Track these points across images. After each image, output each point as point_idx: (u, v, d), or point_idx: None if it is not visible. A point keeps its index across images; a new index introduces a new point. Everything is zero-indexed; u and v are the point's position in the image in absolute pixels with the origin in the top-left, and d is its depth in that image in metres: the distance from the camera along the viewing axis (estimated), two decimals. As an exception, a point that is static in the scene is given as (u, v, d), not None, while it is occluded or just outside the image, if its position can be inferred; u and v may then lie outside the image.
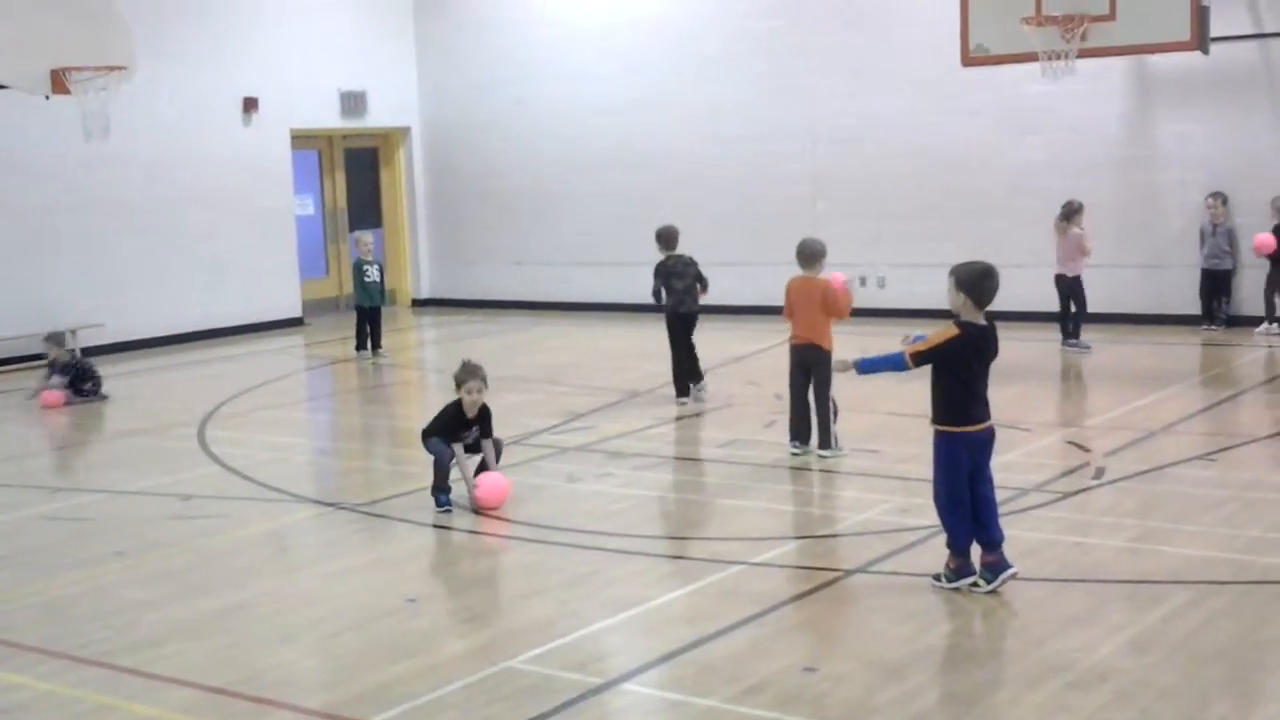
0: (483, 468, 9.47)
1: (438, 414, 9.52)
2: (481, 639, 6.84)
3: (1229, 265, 16.30)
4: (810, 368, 10.37)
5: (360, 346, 17.00)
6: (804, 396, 10.44)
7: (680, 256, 13.03)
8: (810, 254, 10.41)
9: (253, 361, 17.22)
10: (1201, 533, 8.16)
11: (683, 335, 12.98)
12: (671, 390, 13.03)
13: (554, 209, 21.07)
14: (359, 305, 17.07)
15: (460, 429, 9.44)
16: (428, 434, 9.46)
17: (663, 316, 13.17)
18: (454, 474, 9.38)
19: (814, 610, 7.14)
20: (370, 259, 17.11)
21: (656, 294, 13.17)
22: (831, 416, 10.38)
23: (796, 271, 10.54)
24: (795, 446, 10.45)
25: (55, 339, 14.72)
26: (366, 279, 16.90)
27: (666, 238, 13.11)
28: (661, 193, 19.83)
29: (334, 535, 9.02)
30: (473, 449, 9.51)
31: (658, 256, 13.12)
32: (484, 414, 9.50)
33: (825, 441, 10.36)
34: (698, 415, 12.31)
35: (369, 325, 16.97)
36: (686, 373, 12.99)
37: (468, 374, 9.44)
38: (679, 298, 12.93)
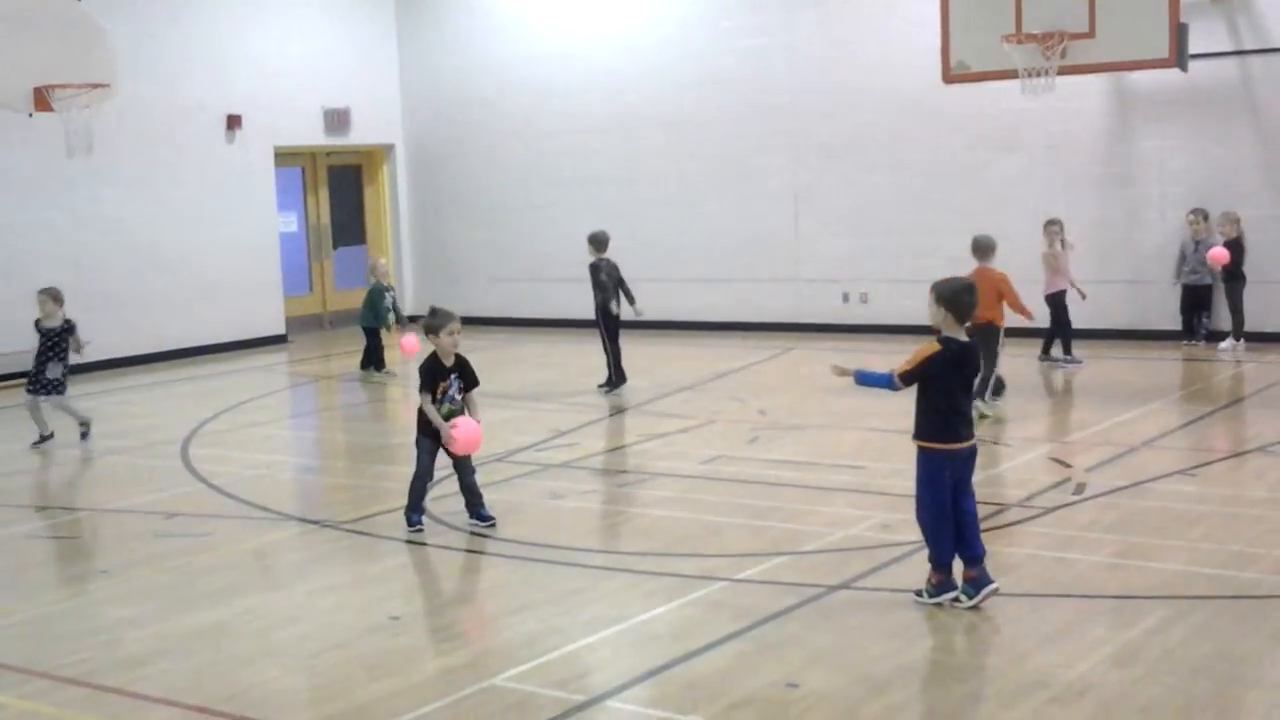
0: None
1: (419, 371, 9.19)
2: (464, 657, 6.85)
3: (1209, 281, 16.37)
4: (983, 340, 10.71)
5: (375, 365, 16.88)
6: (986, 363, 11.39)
7: (609, 259, 14.42)
8: (984, 248, 12.46)
9: (236, 379, 17.20)
10: (1182, 547, 8.21)
11: (615, 328, 14.37)
12: (652, 405, 13.09)
13: (538, 225, 21.07)
14: (373, 327, 16.82)
15: (440, 378, 9.06)
16: (422, 394, 9.10)
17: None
18: (448, 490, 9.38)
19: (797, 626, 7.15)
20: (389, 284, 17.17)
21: (605, 304, 14.37)
22: (993, 378, 12.15)
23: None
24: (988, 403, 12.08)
25: (54, 294, 13.10)
26: (386, 304, 16.85)
27: (602, 241, 14.47)
28: (643, 209, 19.89)
29: (317, 553, 9.01)
30: (456, 413, 9.05)
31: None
32: (462, 362, 9.14)
33: (997, 390, 12.52)
34: (683, 431, 12.33)
35: (378, 343, 16.93)
36: (616, 365, 14.36)
37: (442, 319, 8.99)
38: (610, 294, 14.34)
